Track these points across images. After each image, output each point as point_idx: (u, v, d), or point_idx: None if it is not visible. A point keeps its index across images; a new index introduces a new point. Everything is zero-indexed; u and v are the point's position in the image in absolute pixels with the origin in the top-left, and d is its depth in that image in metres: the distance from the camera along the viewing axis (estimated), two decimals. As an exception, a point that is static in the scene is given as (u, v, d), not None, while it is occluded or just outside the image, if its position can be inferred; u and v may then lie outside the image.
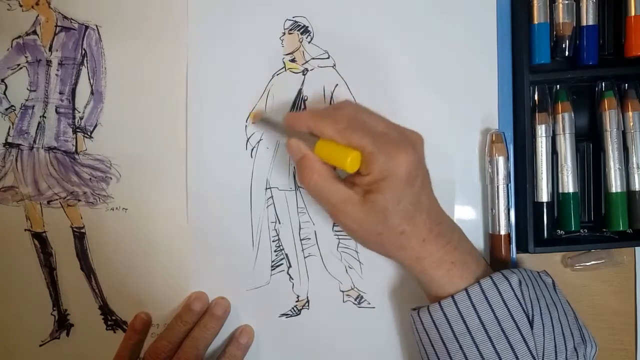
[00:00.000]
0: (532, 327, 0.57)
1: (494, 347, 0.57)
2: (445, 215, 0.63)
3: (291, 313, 0.73)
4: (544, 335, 0.58)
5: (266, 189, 0.72)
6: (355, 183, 0.59)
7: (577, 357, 0.59)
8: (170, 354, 0.68)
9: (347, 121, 0.59)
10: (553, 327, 0.58)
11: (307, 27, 0.71)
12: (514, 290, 0.58)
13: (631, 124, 0.68)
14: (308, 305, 0.73)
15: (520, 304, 0.58)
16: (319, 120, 0.60)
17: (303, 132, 0.61)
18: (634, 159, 0.68)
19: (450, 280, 0.60)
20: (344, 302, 0.73)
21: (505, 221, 0.69)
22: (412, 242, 0.59)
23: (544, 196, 0.69)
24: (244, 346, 0.71)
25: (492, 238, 0.70)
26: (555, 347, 0.58)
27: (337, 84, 0.72)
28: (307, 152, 0.60)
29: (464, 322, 0.58)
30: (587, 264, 0.72)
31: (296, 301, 0.73)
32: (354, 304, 0.73)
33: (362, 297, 0.72)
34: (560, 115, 0.68)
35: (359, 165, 0.57)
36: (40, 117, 0.72)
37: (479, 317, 0.58)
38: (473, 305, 0.58)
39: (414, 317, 0.63)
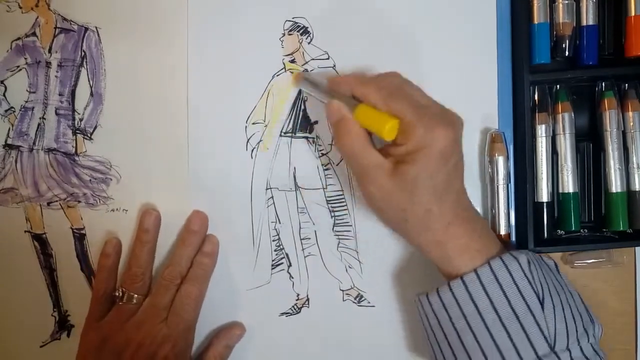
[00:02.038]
0: (543, 307, 0.57)
1: (504, 327, 0.57)
2: (472, 206, 0.63)
3: (291, 312, 0.73)
4: (554, 315, 0.57)
5: (266, 189, 0.72)
6: (390, 153, 0.59)
7: (587, 337, 0.59)
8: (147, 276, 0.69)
9: (391, 89, 0.59)
10: (563, 307, 0.58)
11: (307, 28, 0.71)
12: (523, 270, 0.58)
13: (631, 124, 0.68)
14: (308, 304, 0.73)
15: (531, 284, 0.58)
16: (363, 84, 0.60)
17: (344, 96, 0.62)
18: (634, 159, 0.68)
19: (471, 265, 0.59)
20: (343, 301, 0.73)
21: (505, 221, 0.69)
22: (437, 223, 0.58)
23: (544, 196, 0.69)
24: (210, 253, 0.70)
25: (492, 238, 0.70)
26: (567, 327, 0.58)
27: (337, 85, 0.71)
28: (347, 114, 0.60)
29: (474, 303, 0.58)
30: (588, 261, 0.72)
31: (296, 300, 0.73)
32: (353, 302, 0.73)
33: (361, 296, 0.72)
34: (560, 115, 0.68)
35: (396, 134, 0.57)
36: (40, 118, 0.72)
37: (489, 297, 0.58)
38: (483, 286, 0.58)
39: (422, 301, 0.63)
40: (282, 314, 0.73)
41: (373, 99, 0.59)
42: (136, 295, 0.68)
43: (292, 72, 0.72)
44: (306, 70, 0.71)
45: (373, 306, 0.73)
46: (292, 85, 0.72)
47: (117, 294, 0.68)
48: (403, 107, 0.57)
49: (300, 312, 0.73)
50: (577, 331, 0.58)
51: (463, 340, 0.59)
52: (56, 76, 0.71)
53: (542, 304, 0.57)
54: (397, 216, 0.59)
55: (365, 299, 0.73)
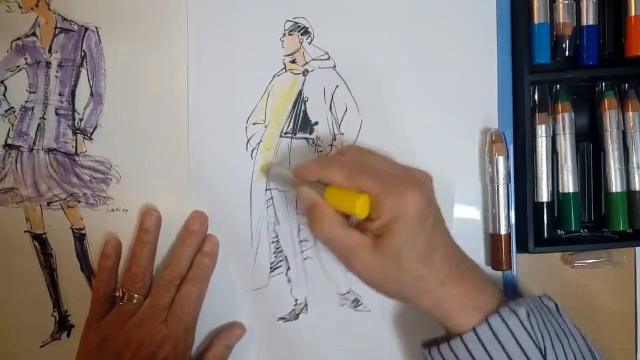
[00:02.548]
0: (545, 359, 0.57)
1: None
2: (464, 255, 0.62)
3: (289, 317, 0.73)
4: None
5: (266, 190, 0.72)
6: (368, 229, 0.58)
7: None
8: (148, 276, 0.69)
9: (352, 165, 0.59)
10: (566, 355, 0.57)
11: (308, 28, 0.71)
12: (523, 324, 0.57)
13: (631, 124, 0.68)
14: (306, 310, 0.73)
15: (531, 338, 0.57)
16: (325, 167, 0.60)
17: (312, 182, 0.61)
18: (634, 158, 0.68)
19: (471, 323, 0.58)
20: (340, 305, 0.73)
21: (505, 221, 0.69)
22: (431, 286, 0.58)
23: (544, 196, 0.69)
24: (210, 254, 0.70)
25: (492, 238, 0.70)
26: None
27: (337, 85, 0.72)
28: (318, 199, 0.60)
29: None
30: (588, 261, 0.72)
31: (294, 305, 0.73)
32: (350, 307, 0.73)
33: (358, 301, 0.72)
34: (560, 115, 0.68)
35: (369, 210, 0.57)
36: (40, 118, 0.72)
37: (490, 356, 0.57)
38: (483, 345, 0.57)
39: (425, 355, 0.62)
40: (280, 318, 0.73)
41: (338, 180, 0.58)
42: (136, 296, 0.68)
43: (293, 72, 0.72)
44: (306, 71, 0.71)
45: (369, 310, 0.73)
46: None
47: (117, 294, 0.68)
48: (367, 181, 0.57)
49: (298, 318, 0.73)
50: None
51: None
52: (56, 76, 0.71)
53: (544, 356, 0.57)
54: (390, 286, 0.59)
55: (361, 304, 0.72)
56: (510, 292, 0.72)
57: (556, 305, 0.62)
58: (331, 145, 0.72)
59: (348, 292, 0.72)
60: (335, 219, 0.59)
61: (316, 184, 0.61)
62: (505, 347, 0.57)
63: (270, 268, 0.72)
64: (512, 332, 0.57)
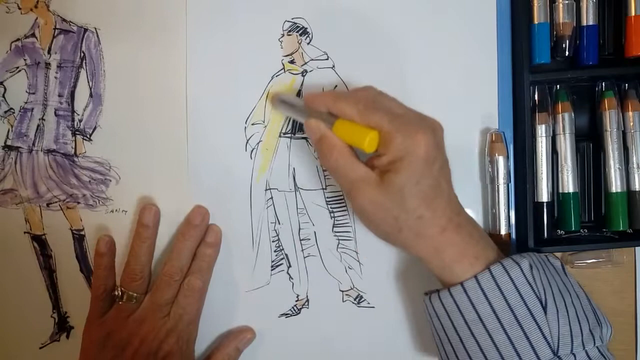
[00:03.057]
0: (545, 312, 0.57)
1: (507, 334, 0.57)
2: (465, 211, 0.62)
3: (291, 313, 0.73)
4: (558, 320, 0.57)
5: (266, 190, 0.72)
6: (375, 165, 0.59)
7: (594, 340, 0.58)
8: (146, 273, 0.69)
9: (366, 101, 0.59)
10: (567, 311, 0.58)
11: (306, 28, 0.71)
12: (525, 275, 0.57)
13: (631, 123, 0.68)
14: (308, 305, 0.73)
15: (533, 289, 0.57)
16: (339, 99, 0.60)
17: (322, 112, 0.62)
18: (634, 158, 0.68)
19: (471, 272, 0.59)
20: (343, 301, 0.73)
21: (506, 221, 0.69)
22: (431, 229, 0.58)
23: (544, 196, 0.69)
24: (213, 244, 0.70)
25: (492, 238, 0.69)
26: (571, 331, 0.57)
27: (336, 85, 0.71)
28: (327, 131, 0.60)
29: (475, 309, 0.58)
30: (588, 261, 0.72)
31: (296, 300, 0.73)
32: (353, 303, 0.73)
33: (361, 297, 0.72)
34: (560, 115, 0.68)
35: (377, 145, 0.57)
36: (39, 119, 0.72)
37: (490, 304, 0.57)
38: (484, 292, 0.57)
39: (425, 302, 0.63)
40: (282, 315, 0.73)
41: (349, 113, 0.59)
42: (135, 295, 0.68)
43: (291, 73, 0.72)
44: (305, 71, 0.71)
45: (373, 307, 0.73)
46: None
47: (116, 293, 0.68)
48: (380, 118, 0.57)
49: (300, 313, 0.73)
50: (582, 334, 0.57)
51: (465, 345, 0.59)
52: (55, 77, 0.71)
53: (544, 308, 0.57)
54: (390, 227, 0.59)
55: (364, 300, 0.72)
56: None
57: (562, 265, 0.63)
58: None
59: (351, 289, 0.72)
60: (343, 150, 0.60)
61: (326, 115, 0.61)
62: (505, 296, 0.57)
63: (272, 266, 0.72)
64: (514, 282, 0.57)
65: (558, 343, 0.56)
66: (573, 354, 0.57)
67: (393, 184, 0.56)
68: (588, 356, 0.58)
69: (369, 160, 0.60)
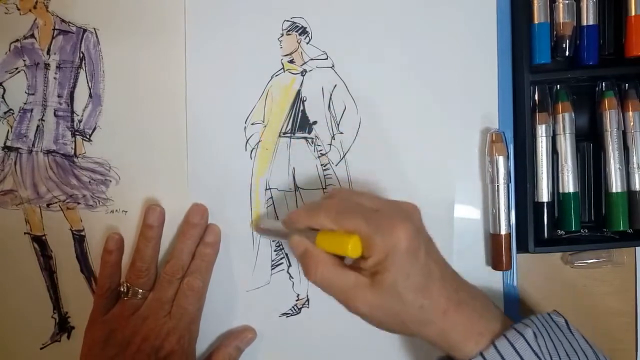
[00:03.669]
0: None
1: None
2: (462, 281, 0.61)
3: (291, 312, 0.73)
4: None
5: (266, 189, 0.72)
6: (362, 267, 0.58)
7: None
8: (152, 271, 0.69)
9: (338, 208, 0.59)
10: None
11: (305, 28, 0.71)
12: (530, 346, 0.56)
13: (631, 123, 0.68)
14: (308, 304, 0.73)
15: (539, 359, 0.56)
16: (313, 213, 0.60)
17: (303, 229, 0.61)
18: (634, 159, 0.68)
19: (477, 349, 0.58)
20: (343, 300, 0.73)
21: (506, 221, 0.69)
22: (433, 315, 0.57)
23: (544, 196, 0.69)
24: (212, 244, 0.70)
25: (492, 238, 0.70)
26: None
27: (335, 85, 0.71)
28: (309, 245, 0.60)
29: None
30: (588, 261, 0.72)
31: (296, 300, 0.73)
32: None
33: (362, 296, 0.72)
34: (560, 115, 0.68)
35: (361, 249, 0.57)
36: (39, 120, 0.71)
37: None
38: None
39: None
40: (283, 314, 0.73)
41: (326, 224, 0.58)
42: (141, 290, 0.68)
43: (291, 72, 0.72)
44: (304, 71, 0.71)
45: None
46: (282, 97, 0.72)
47: (122, 289, 0.69)
48: (355, 223, 0.56)
49: (300, 312, 0.73)
50: None
51: None
52: (55, 78, 0.71)
53: None
54: (394, 323, 0.58)
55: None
56: (511, 292, 0.72)
57: (566, 322, 0.62)
58: (330, 144, 0.72)
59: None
60: (329, 261, 0.59)
61: (307, 231, 0.61)
62: None
63: (272, 266, 0.72)
64: (520, 354, 0.56)
65: None
66: None
67: (385, 284, 0.56)
68: None
69: (355, 264, 0.59)
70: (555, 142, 0.69)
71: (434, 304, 0.57)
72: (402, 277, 0.55)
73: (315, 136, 0.72)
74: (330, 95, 0.72)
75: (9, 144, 0.72)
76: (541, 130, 0.68)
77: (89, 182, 0.72)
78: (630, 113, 0.67)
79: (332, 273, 0.58)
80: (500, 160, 0.69)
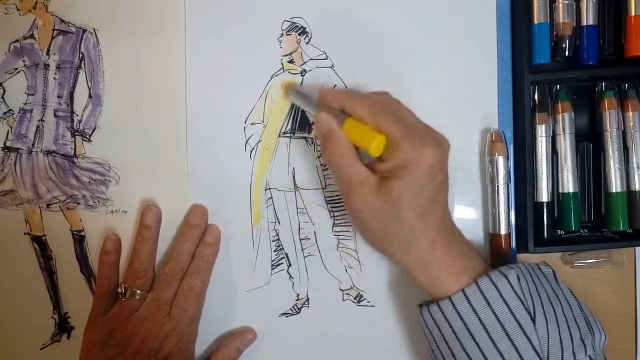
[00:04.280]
0: (534, 323, 0.57)
1: (496, 348, 0.57)
2: (457, 228, 0.62)
3: (291, 312, 0.73)
4: (547, 330, 0.57)
5: (265, 189, 0.72)
6: (377, 169, 0.59)
7: (585, 349, 0.58)
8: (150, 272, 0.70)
9: (380, 106, 0.59)
10: (557, 320, 0.58)
11: (305, 28, 0.71)
12: (513, 288, 0.57)
13: (631, 123, 0.67)
14: (308, 304, 0.73)
15: (521, 301, 0.57)
16: (353, 98, 0.60)
17: (333, 108, 0.61)
18: (634, 159, 0.67)
19: (458, 285, 0.59)
20: (343, 300, 0.73)
21: (506, 221, 0.69)
22: (421, 242, 0.58)
23: (544, 196, 0.69)
24: (212, 244, 0.70)
25: (492, 238, 0.70)
26: (561, 341, 0.57)
27: (335, 85, 0.71)
28: (335, 126, 0.60)
29: (464, 323, 0.58)
30: (587, 261, 0.72)
31: (296, 300, 0.73)
32: (353, 302, 0.73)
33: (361, 296, 0.72)
34: (560, 115, 0.68)
35: (383, 150, 0.57)
36: (39, 120, 0.72)
37: (478, 317, 0.57)
38: (472, 306, 0.57)
39: (418, 314, 0.63)
40: (282, 314, 0.73)
41: (362, 114, 0.59)
42: (139, 291, 0.68)
43: (290, 72, 0.71)
44: (304, 71, 0.71)
45: (373, 306, 0.73)
46: (282, 93, 0.72)
47: (119, 290, 0.69)
48: (391, 124, 0.57)
49: (300, 312, 0.73)
50: (572, 343, 0.57)
51: (457, 357, 0.59)
52: (54, 78, 0.71)
53: (533, 319, 0.57)
54: (381, 233, 0.59)
55: (364, 299, 0.73)
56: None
57: (554, 273, 0.63)
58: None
59: (351, 288, 0.72)
60: (348, 149, 0.59)
61: (337, 111, 0.61)
62: (493, 309, 0.57)
63: (272, 266, 0.72)
64: (501, 294, 0.57)
65: (548, 353, 0.56)
66: None
67: (392, 191, 0.56)
68: None
69: (370, 164, 0.60)
70: (555, 142, 0.69)
71: (426, 232, 0.58)
72: (410, 191, 0.56)
73: (315, 136, 0.72)
74: (330, 95, 0.71)
75: (8, 144, 0.72)
76: (541, 130, 0.68)
77: (89, 182, 0.72)
78: (630, 113, 0.67)
79: (348, 160, 0.59)
80: (500, 160, 0.68)
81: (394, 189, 0.56)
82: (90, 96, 0.71)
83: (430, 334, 0.61)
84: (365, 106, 0.59)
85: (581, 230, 0.71)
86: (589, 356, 0.58)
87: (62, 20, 0.71)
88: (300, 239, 0.72)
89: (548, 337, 0.57)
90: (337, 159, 0.60)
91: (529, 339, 0.56)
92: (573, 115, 0.68)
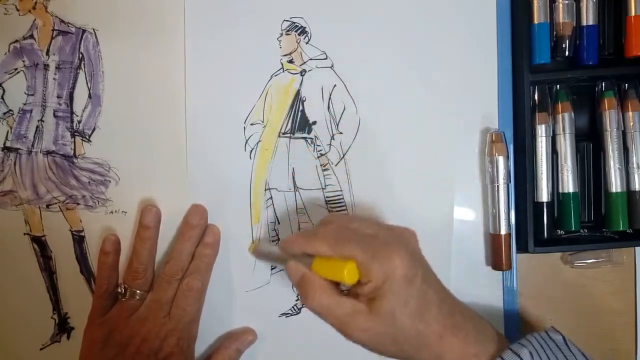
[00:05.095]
0: None
1: None
2: (458, 304, 0.61)
3: (291, 312, 0.73)
4: None
5: (265, 189, 0.72)
6: (359, 294, 0.58)
7: None
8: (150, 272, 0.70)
9: (335, 234, 0.59)
10: None
11: (305, 27, 0.71)
12: None
13: (631, 123, 0.67)
14: (308, 304, 0.73)
15: None
16: (310, 239, 0.60)
17: (299, 255, 0.61)
18: (634, 159, 0.67)
19: None
20: (343, 299, 0.73)
21: (506, 221, 0.69)
22: (429, 339, 0.57)
23: (544, 196, 0.69)
24: (212, 244, 0.70)
25: (492, 238, 0.70)
26: None
27: (335, 85, 0.71)
28: (306, 271, 0.60)
29: None
30: (587, 261, 0.72)
31: (296, 300, 0.73)
32: (354, 301, 0.73)
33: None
34: (560, 115, 0.68)
35: (358, 276, 0.57)
36: (38, 121, 0.71)
37: None
38: None
39: None
40: (282, 314, 0.73)
41: (323, 250, 0.59)
42: (139, 291, 0.68)
43: (290, 72, 0.71)
44: (304, 71, 0.71)
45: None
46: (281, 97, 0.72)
47: (119, 290, 0.69)
48: (352, 249, 0.57)
49: (300, 312, 0.73)
50: None
51: None
52: (54, 78, 0.71)
53: None
54: (391, 348, 0.59)
55: (365, 298, 0.72)
56: (510, 292, 0.72)
57: (564, 338, 0.62)
58: (329, 144, 0.72)
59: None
60: (326, 288, 0.59)
61: (304, 256, 0.61)
62: None
63: (271, 266, 0.72)
64: None
65: None
66: None
67: (383, 310, 0.56)
68: None
69: (352, 290, 0.60)
70: (555, 142, 0.69)
71: (430, 329, 0.57)
72: (399, 304, 0.56)
73: (315, 136, 0.72)
74: (330, 95, 0.71)
75: (8, 144, 0.72)
76: (541, 130, 0.68)
77: (89, 182, 0.72)
78: (630, 113, 0.67)
79: (329, 300, 0.59)
80: (500, 160, 0.68)
81: (384, 307, 0.56)
82: (90, 96, 0.71)
83: None
84: (321, 242, 0.59)
85: (581, 230, 0.71)
86: None
87: (62, 21, 0.71)
88: (300, 239, 0.72)
89: None
90: (318, 302, 0.59)
91: None
92: (573, 115, 0.68)
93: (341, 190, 0.72)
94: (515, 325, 0.72)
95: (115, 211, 0.72)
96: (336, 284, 0.60)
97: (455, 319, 0.59)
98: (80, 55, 0.71)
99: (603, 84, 0.69)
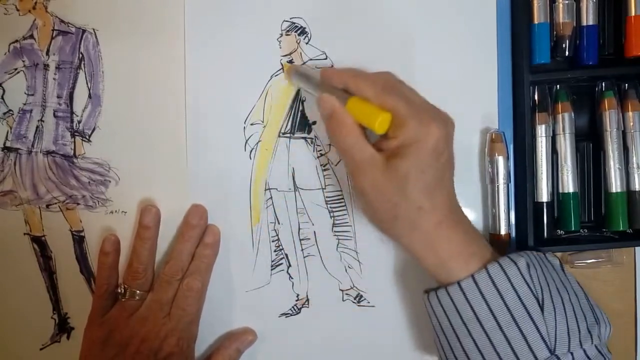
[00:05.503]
0: (542, 311, 0.57)
1: (504, 334, 0.57)
2: (461, 208, 0.62)
3: (291, 312, 0.73)
4: (555, 318, 0.57)
5: (265, 190, 0.72)
6: (382, 148, 0.58)
7: (591, 338, 0.58)
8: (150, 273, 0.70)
9: (385, 84, 0.59)
10: (565, 309, 0.58)
11: (305, 28, 0.71)
12: (522, 274, 0.57)
13: (631, 123, 0.67)
14: (308, 304, 0.73)
15: (530, 288, 0.57)
16: (357, 77, 0.60)
17: (337, 89, 0.61)
18: (634, 159, 0.67)
19: (467, 270, 0.59)
20: (343, 300, 0.73)
21: (506, 221, 0.69)
22: (428, 222, 0.58)
23: (544, 196, 0.69)
24: (211, 245, 0.70)
25: (492, 238, 0.70)
26: (568, 329, 0.57)
27: (335, 85, 0.71)
28: (339, 107, 0.60)
29: (472, 309, 0.58)
30: (587, 261, 0.72)
31: (296, 300, 0.73)
32: (353, 302, 0.73)
33: (361, 296, 0.72)
34: (560, 115, 0.68)
35: (388, 128, 0.57)
36: (38, 121, 0.71)
37: (487, 304, 0.57)
38: (480, 292, 0.57)
39: (424, 300, 0.63)
40: (282, 314, 0.73)
41: (366, 93, 0.59)
42: (138, 292, 0.68)
43: (287, 63, 0.71)
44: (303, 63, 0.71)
45: (373, 306, 0.73)
46: (284, 78, 0.72)
47: (119, 290, 0.69)
48: (396, 102, 0.57)
49: (300, 312, 0.73)
50: (579, 333, 0.57)
51: (463, 343, 0.59)
52: (54, 78, 0.71)
53: (541, 307, 0.57)
54: (387, 213, 0.59)
55: (364, 299, 0.73)
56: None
57: (561, 263, 0.63)
58: (329, 144, 0.71)
59: (351, 288, 0.72)
60: (354, 128, 0.59)
61: (340, 91, 0.61)
62: (502, 295, 0.57)
63: (271, 266, 0.72)
64: (511, 281, 0.57)
65: (555, 342, 0.56)
66: (571, 352, 0.57)
67: (398, 169, 0.56)
68: (586, 354, 0.58)
69: (376, 144, 0.60)
70: (555, 142, 0.69)
71: (433, 211, 0.57)
72: (417, 169, 0.56)
73: (315, 136, 0.72)
74: (330, 95, 0.71)
75: (8, 144, 0.72)
76: (541, 130, 0.68)
77: (89, 182, 0.72)
78: (630, 113, 0.67)
79: (354, 140, 0.59)
80: (500, 160, 0.68)
81: (401, 167, 0.56)
82: (89, 96, 0.71)
83: (437, 319, 0.61)
84: (369, 84, 0.59)
85: (581, 230, 0.71)
86: (595, 345, 0.58)
87: (62, 21, 0.71)
88: (300, 239, 0.72)
89: (556, 325, 0.57)
90: (342, 139, 0.59)
91: (536, 326, 0.56)
92: (573, 115, 0.68)
93: (341, 190, 0.72)
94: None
95: (115, 211, 0.72)
96: (363, 130, 0.60)
97: (459, 215, 0.60)
98: (80, 55, 0.71)
99: (603, 84, 0.69)
